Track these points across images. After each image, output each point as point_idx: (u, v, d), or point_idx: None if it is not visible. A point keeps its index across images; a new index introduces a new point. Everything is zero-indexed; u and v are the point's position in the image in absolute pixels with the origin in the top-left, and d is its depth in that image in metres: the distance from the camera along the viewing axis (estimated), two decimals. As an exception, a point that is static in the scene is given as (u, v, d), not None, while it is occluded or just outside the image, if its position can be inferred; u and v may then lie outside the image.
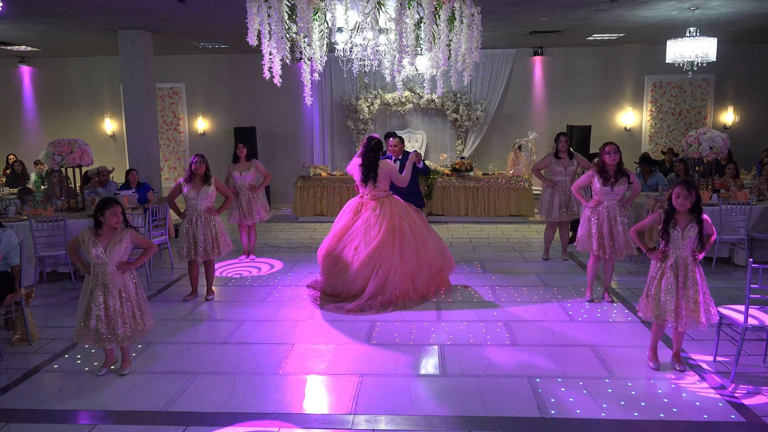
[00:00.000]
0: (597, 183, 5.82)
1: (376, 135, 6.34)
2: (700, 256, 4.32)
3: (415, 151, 6.93)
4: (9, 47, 11.36)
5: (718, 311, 4.54)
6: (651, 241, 4.50)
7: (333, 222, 6.43)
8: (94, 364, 4.68)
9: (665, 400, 4.01)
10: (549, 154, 7.88)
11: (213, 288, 6.48)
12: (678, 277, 4.28)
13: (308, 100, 5.16)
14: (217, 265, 7.37)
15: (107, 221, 4.27)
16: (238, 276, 7.33)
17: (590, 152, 10.59)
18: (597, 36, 10.90)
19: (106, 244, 4.29)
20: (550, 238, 8.03)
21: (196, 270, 6.35)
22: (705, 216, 4.32)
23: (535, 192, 11.08)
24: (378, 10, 4.82)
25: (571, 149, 7.81)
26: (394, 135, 7.04)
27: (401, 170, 6.41)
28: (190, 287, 6.45)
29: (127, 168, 9.54)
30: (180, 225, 6.15)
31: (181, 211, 6.26)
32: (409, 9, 4.68)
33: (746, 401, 3.98)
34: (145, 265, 6.90)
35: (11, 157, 11.80)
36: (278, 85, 5.04)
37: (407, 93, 12.03)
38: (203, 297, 6.39)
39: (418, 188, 7.16)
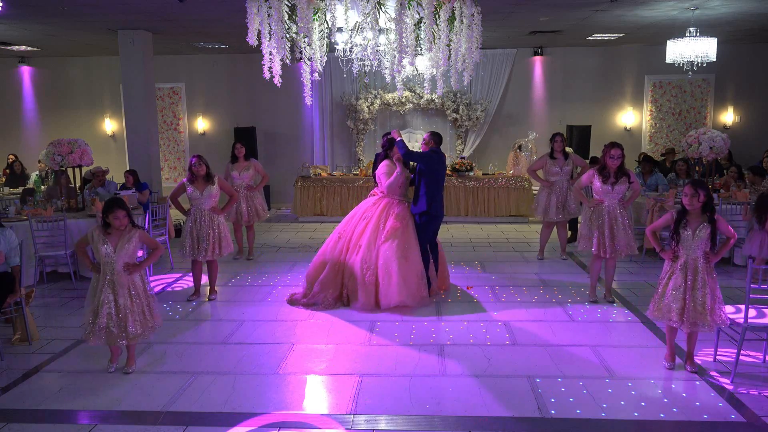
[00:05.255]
0: (597, 182, 5.82)
1: (395, 132, 6.12)
2: (713, 260, 4.28)
3: (395, 131, 6.14)
4: (9, 47, 11.35)
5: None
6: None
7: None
8: (95, 363, 4.69)
9: (665, 400, 4.01)
10: (544, 154, 7.90)
11: (216, 288, 6.48)
12: (687, 278, 4.26)
13: (308, 100, 5.16)
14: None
15: (113, 224, 4.34)
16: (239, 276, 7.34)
17: (590, 155, 10.52)
18: (597, 36, 10.90)
19: (116, 242, 4.35)
20: (546, 239, 8.03)
21: (199, 269, 6.34)
22: (719, 217, 4.27)
23: (535, 192, 11.04)
24: (378, 10, 4.81)
25: (566, 149, 7.81)
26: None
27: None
28: (193, 287, 6.44)
29: (127, 168, 9.53)
30: (183, 223, 6.15)
31: (186, 209, 6.22)
32: (409, 9, 4.68)
33: (746, 401, 3.98)
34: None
35: (11, 157, 11.79)
36: (278, 85, 5.03)
37: (407, 93, 12.02)
38: (205, 297, 6.40)
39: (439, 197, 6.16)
